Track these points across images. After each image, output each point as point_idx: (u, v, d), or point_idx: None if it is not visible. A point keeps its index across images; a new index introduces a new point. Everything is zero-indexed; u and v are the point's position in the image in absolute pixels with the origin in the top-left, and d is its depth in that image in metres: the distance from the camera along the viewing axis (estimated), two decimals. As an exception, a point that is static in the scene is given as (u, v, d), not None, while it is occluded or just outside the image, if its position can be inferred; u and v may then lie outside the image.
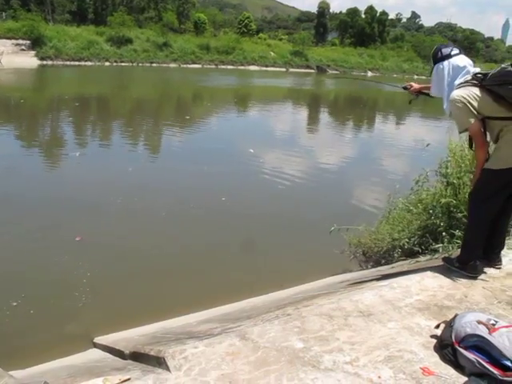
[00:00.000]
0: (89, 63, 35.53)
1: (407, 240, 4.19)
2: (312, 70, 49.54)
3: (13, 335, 3.48)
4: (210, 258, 4.99)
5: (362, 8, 66.92)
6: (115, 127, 13.33)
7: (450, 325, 2.15)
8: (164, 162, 9.49)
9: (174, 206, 6.39)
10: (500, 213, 2.91)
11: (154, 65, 39.29)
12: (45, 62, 33.38)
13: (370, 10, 64.98)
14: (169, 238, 5.44)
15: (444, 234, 3.80)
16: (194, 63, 42.22)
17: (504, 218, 3.00)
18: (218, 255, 5.11)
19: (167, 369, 1.98)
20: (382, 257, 4.56)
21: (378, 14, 65.47)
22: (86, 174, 7.76)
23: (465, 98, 2.69)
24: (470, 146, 2.96)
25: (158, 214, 6.02)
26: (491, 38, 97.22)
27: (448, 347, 2.08)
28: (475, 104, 2.68)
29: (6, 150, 9.24)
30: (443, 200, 3.89)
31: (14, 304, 3.81)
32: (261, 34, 59.99)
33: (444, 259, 3.13)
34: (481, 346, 1.98)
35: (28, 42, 34.25)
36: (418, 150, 10.55)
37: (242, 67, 44.60)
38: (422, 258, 3.87)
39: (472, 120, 2.70)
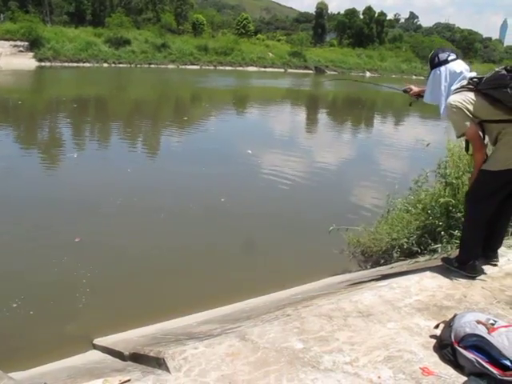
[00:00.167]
0: (87, 64, 35.47)
1: (406, 240, 4.20)
2: (310, 71, 49.54)
3: (12, 337, 3.48)
4: (210, 259, 5.00)
5: (360, 9, 66.98)
6: (113, 128, 13.32)
7: (449, 325, 2.16)
8: (162, 163, 9.49)
9: (173, 207, 6.39)
10: (500, 214, 2.94)
11: (153, 66, 39.24)
12: (43, 64, 33.31)
13: (368, 10, 64.97)
14: (168, 238, 5.44)
15: (443, 234, 3.81)
16: (193, 64, 42.18)
17: (504, 219, 3.04)
18: (217, 256, 5.11)
19: (167, 370, 1.98)
20: (381, 257, 4.56)
21: (376, 15, 65.42)
22: (84, 175, 7.76)
23: (461, 103, 2.73)
24: (467, 149, 3.00)
25: (158, 215, 6.02)
26: (489, 39, 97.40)
27: (447, 347, 2.08)
28: (471, 108, 2.71)
29: (3, 151, 9.23)
30: (442, 200, 3.90)
31: (14, 305, 3.81)
32: (259, 35, 59.94)
33: (443, 259, 3.15)
34: (480, 345, 1.98)
35: (26, 43, 34.16)
36: (417, 150, 10.59)
37: (241, 68, 44.59)
38: (421, 258, 3.88)
39: (468, 124, 2.73)
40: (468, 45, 77.06)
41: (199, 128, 14.14)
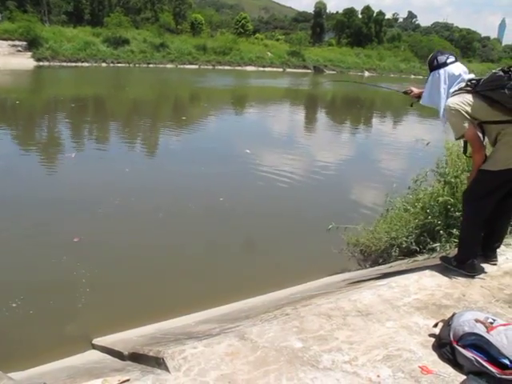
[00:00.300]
0: (85, 64, 35.44)
1: (405, 239, 4.21)
2: (309, 71, 49.56)
3: (12, 336, 3.48)
4: (208, 258, 5.00)
5: (359, 8, 67.02)
6: (111, 128, 13.30)
7: (448, 323, 2.16)
8: (161, 162, 9.49)
9: (172, 207, 6.38)
10: (500, 213, 2.96)
11: (151, 65, 39.22)
12: (41, 63, 33.26)
13: (367, 9, 64.99)
14: (167, 238, 5.44)
15: (442, 232, 3.82)
16: (191, 64, 42.16)
17: (504, 219, 3.05)
18: (215, 255, 5.11)
19: (166, 369, 1.98)
20: (380, 256, 4.57)
21: (374, 14, 65.46)
22: (82, 175, 7.75)
23: (459, 105, 2.75)
24: (465, 151, 3.03)
25: (156, 215, 6.01)
26: (488, 38, 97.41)
27: (446, 346, 2.09)
28: (470, 110, 2.74)
29: (0, 151, 9.21)
30: (441, 199, 3.91)
31: (14, 305, 3.81)
32: (258, 35, 59.89)
33: (442, 258, 3.16)
34: (479, 344, 1.99)
35: (24, 43, 34.11)
36: (416, 149, 10.58)
37: (239, 68, 44.58)
38: (419, 257, 3.88)
39: (467, 126, 2.76)
40: (466, 44, 77.20)
41: (197, 127, 14.15)
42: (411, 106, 3.50)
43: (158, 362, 2.09)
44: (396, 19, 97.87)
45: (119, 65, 37.26)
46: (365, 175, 9.21)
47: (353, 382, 1.89)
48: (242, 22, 58.98)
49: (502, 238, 3.15)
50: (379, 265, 4.43)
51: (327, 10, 71.24)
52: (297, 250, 5.33)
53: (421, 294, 2.71)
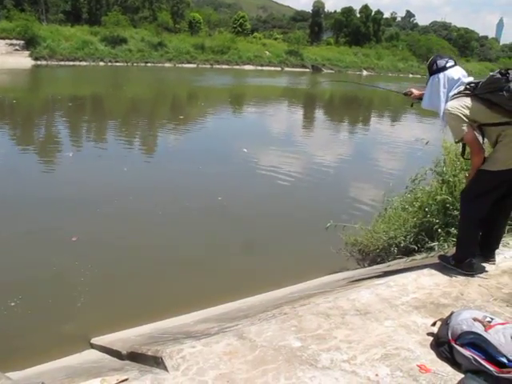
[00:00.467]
0: (83, 63, 35.35)
1: (403, 238, 4.21)
2: (307, 69, 49.55)
3: (10, 336, 3.47)
4: (207, 258, 4.99)
5: (357, 7, 67.01)
6: (109, 127, 13.27)
7: (446, 322, 2.16)
8: (158, 161, 9.48)
9: (170, 206, 6.38)
10: (498, 213, 2.97)
11: (149, 64, 39.17)
12: (39, 62, 33.19)
13: (365, 9, 65.00)
14: (165, 237, 5.43)
15: (440, 231, 3.83)
16: (189, 63, 42.12)
17: (502, 218, 3.06)
18: (214, 254, 5.11)
19: (165, 369, 1.98)
20: (378, 255, 4.57)
21: (372, 13, 65.51)
22: (80, 174, 7.74)
23: (458, 109, 2.77)
24: (463, 153, 3.05)
25: (154, 214, 6.01)
26: (486, 37, 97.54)
27: (444, 344, 2.09)
28: (469, 113, 2.76)
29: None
30: (439, 198, 3.91)
31: (12, 304, 3.80)
32: (256, 34, 59.92)
33: (440, 257, 3.17)
34: (477, 343, 1.99)
35: (22, 42, 34.03)
36: (415, 148, 10.59)
37: (237, 67, 44.55)
38: (418, 256, 3.89)
39: (466, 129, 2.78)
40: (464, 43, 77.28)
41: (195, 127, 14.13)
42: (412, 106, 3.52)
43: (156, 362, 2.08)
44: (394, 18, 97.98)
45: (117, 64, 37.20)
46: (363, 174, 9.21)
47: (351, 381, 1.90)
48: (240, 21, 58.96)
49: (499, 238, 3.15)
50: (377, 264, 4.44)
51: (325, 9, 71.28)
52: (295, 249, 5.33)
53: (419, 292, 2.71)
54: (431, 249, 3.84)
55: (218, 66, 43.18)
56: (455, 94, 2.86)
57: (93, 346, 3.33)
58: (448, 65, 2.93)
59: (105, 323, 3.66)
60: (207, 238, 5.49)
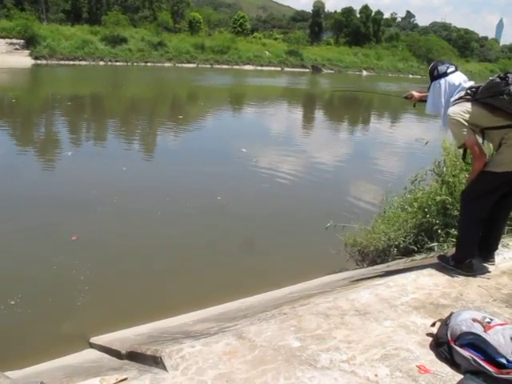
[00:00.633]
0: (83, 63, 35.36)
1: (403, 239, 4.21)
2: (307, 70, 49.56)
3: (9, 335, 3.47)
4: (206, 257, 4.99)
5: (357, 7, 67.13)
6: (109, 127, 13.27)
7: (445, 323, 2.16)
8: (157, 161, 9.48)
9: (170, 205, 6.38)
10: (498, 214, 2.97)
11: (149, 64, 39.17)
12: (39, 62, 33.19)
13: (365, 9, 65.03)
14: (165, 237, 5.43)
15: (439, 232, 3.82)
16: (189, 63, 42.13)
17: (501, 218, 3.07)
18: (213, 254, 5.11)
19: (164, 368, 1.98)
20: (377, 255, 4.57)
21: (372, 14, 65.53)
22: (79, 174, 7.73)
23: (459, 114, 2.79)
24: (464, 158, 3.08)
25: (154, 213, 6.00)
26: (485, 38, 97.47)
27: (444, 345, 2.09)
28: (470, 118, 2.77)
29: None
30: (438, 198, 3.91)
31: (12, 303, 3.80)
32: (256, 34, 59.92)
33: (439, 258, 3.17)
34: (476, 343, 1.99)
35: (22, 41, 34.05)
36: (415, 148, 10.60)
37: (237, 67, 44.56)
38: (417, 257, 3.88)
39: (467, 134, 2.79)
40: (464, 44, 77.31)
41: (194, 126, 14.12)
42: (414, 106, 3.55)
43: (155, 361, 2.08)
44: (394, 19, 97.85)
45: (117, 63, 37.20)
46: (363, 174, 9.22)
47: (350, 381, 1.89)
48: (240, 20, 58.96)
49: (499, 239, 3.16)
50: (377, 264, 4.43)
51: (325, 9, 71.28)
52: (294, 248, 5.32)
53: (418, 293, 2.71)
54: (431, 249, 3.83)
55: (217, 66, 43.18)
56: (456, 100, 2.88)
57: (92, 346, 3.32)
58: (449, 70, 2.95)
59: (104, 322, 3.65)
60: (206, 237, 5.49)
